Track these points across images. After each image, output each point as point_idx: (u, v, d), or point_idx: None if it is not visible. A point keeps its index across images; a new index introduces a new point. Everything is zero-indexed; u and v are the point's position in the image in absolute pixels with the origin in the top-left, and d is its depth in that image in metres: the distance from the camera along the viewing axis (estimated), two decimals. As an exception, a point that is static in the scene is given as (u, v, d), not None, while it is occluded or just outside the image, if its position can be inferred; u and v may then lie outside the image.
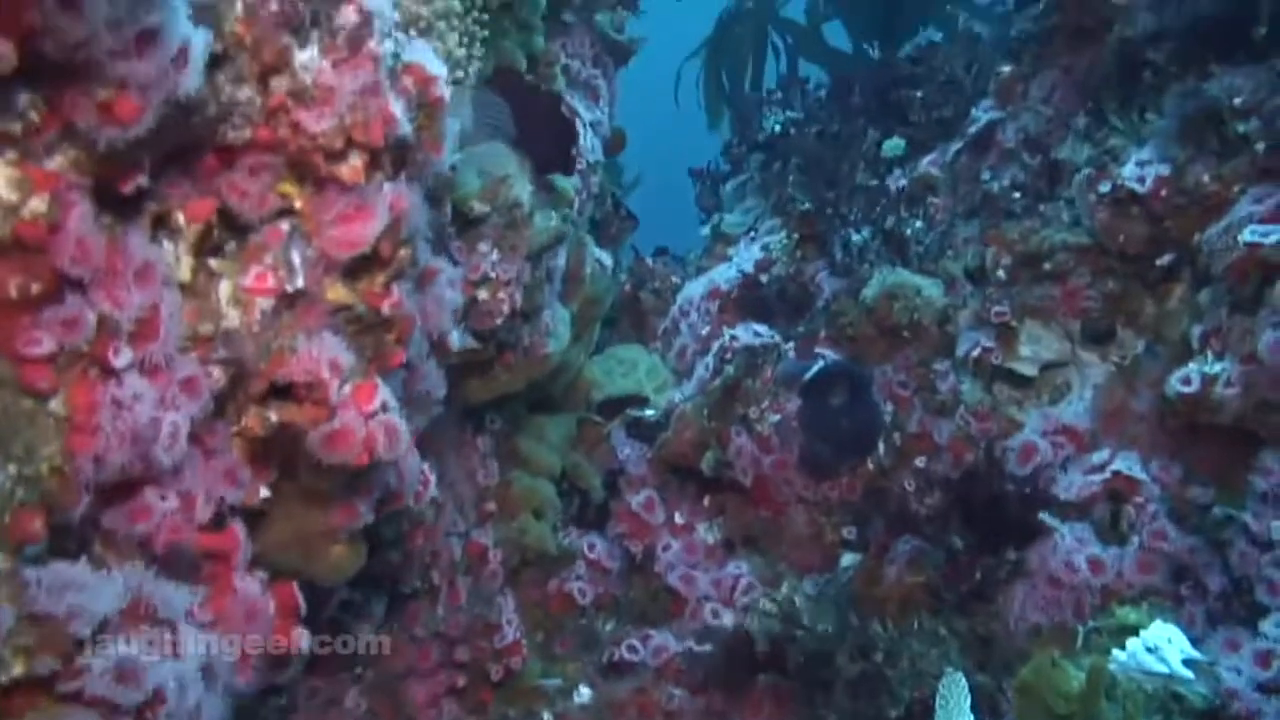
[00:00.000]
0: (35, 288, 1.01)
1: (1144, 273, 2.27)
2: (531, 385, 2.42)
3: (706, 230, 3.95)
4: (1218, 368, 2.00)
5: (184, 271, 1.23)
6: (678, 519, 2.74)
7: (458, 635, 2.26)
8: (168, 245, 1.22)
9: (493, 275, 1.96)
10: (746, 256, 3.21)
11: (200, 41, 1.05)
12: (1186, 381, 2.03)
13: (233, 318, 1.26)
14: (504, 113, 1.93)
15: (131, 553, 1.10)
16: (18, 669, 0.94)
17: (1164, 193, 2.13)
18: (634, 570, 2.70)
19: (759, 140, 3.81)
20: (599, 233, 3.32)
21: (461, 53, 1.74)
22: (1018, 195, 2.51)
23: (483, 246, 1.95)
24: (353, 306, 1.36)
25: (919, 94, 2.96)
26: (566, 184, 2.34)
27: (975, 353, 2.45)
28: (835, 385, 2.57)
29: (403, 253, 1.41)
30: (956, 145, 2.93)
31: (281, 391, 1.28)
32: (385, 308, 1.39)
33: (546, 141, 2.05)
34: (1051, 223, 2.41)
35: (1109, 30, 2.46)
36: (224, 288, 1.27)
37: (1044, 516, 2.12)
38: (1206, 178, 2.08)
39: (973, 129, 2.92)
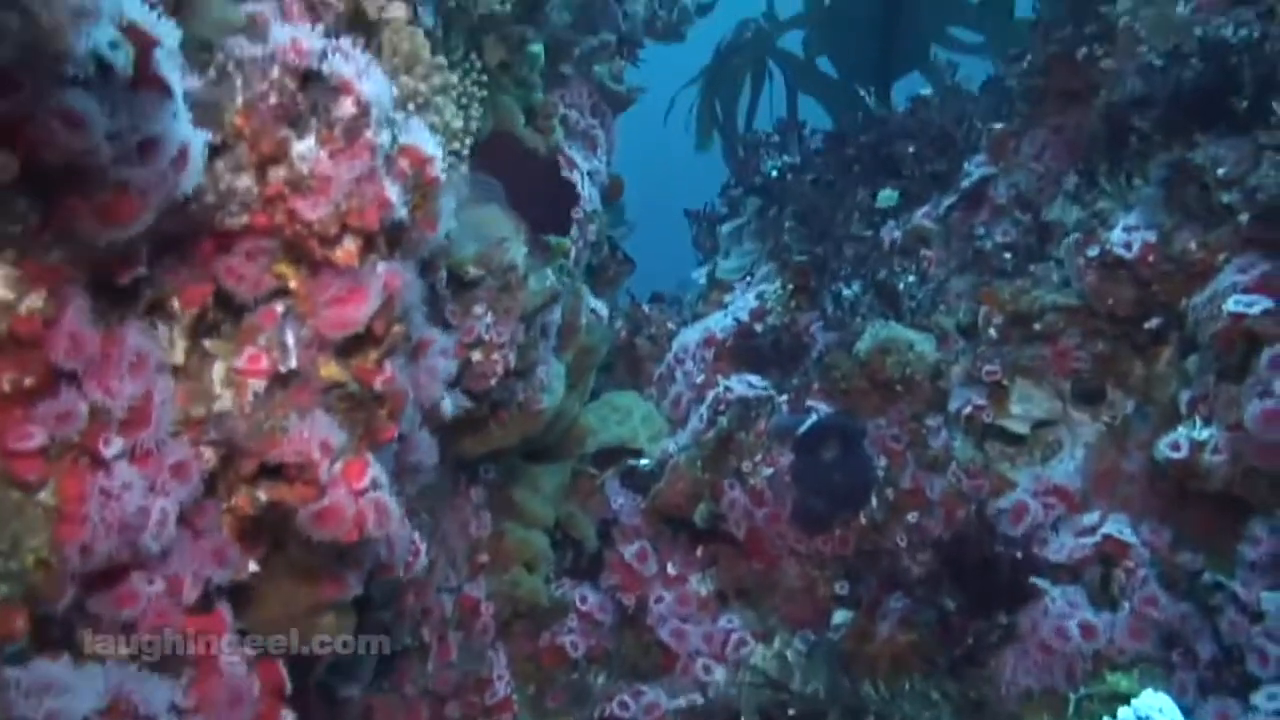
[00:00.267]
0: (29, 382, 1.03)
1: (1133, 335, 2.29)
2: (526, 438, 2.43)
3: (703, 274, 3.98)
4: (1205, 434, 2.01)
5: (177, 355, 1.25)
6: (670, 570, 2.75)
7: (448, 692, 2.26)
8: (162, 329, 1.24)
9: (487, 338, 1.98)
10: (742, 305, 3.24)
11: (199, 142, 1.08)
12: (1176, 447, 2.04)
13: (225, 399, 1.27)
14: (498, 191, 1.96)
15: (116, 638, 1.11)
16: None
17: (1151, 259, 2.16)
18: (626, 623, 2.69)
19: (756, 184, 3.85)
20: (596, 277, 3.35)
21: (459, 124, 1.77)
22: (1009, 255, 2.53)
23: (477, 309, 1.97)
24: (345, 384, 1.38)
25: (911, 149, 3.00)
26: (563, 239, 2.37)
27: (967, 410, 2.46)
28: (828, 440, 2.58)
29: (396, 329, 1.43)
30: (950, 199, 2.97)
31: (272, 471, 1.30)
32: (378, 384, 1.41)
33: (544, 205, 2.08)
34: (1042, 283, 2.43)
35: (1096, 94, 2.50)
36: (217, 369, 1.28)
37: (1035, 580, 2.13)
38: (1193, 245, 2.11)
39: (966, 183, 2.95)
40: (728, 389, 2.83)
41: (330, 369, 1.37)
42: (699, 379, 3.11)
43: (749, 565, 2.69)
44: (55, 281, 1.04)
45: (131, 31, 0.95)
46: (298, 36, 1.24)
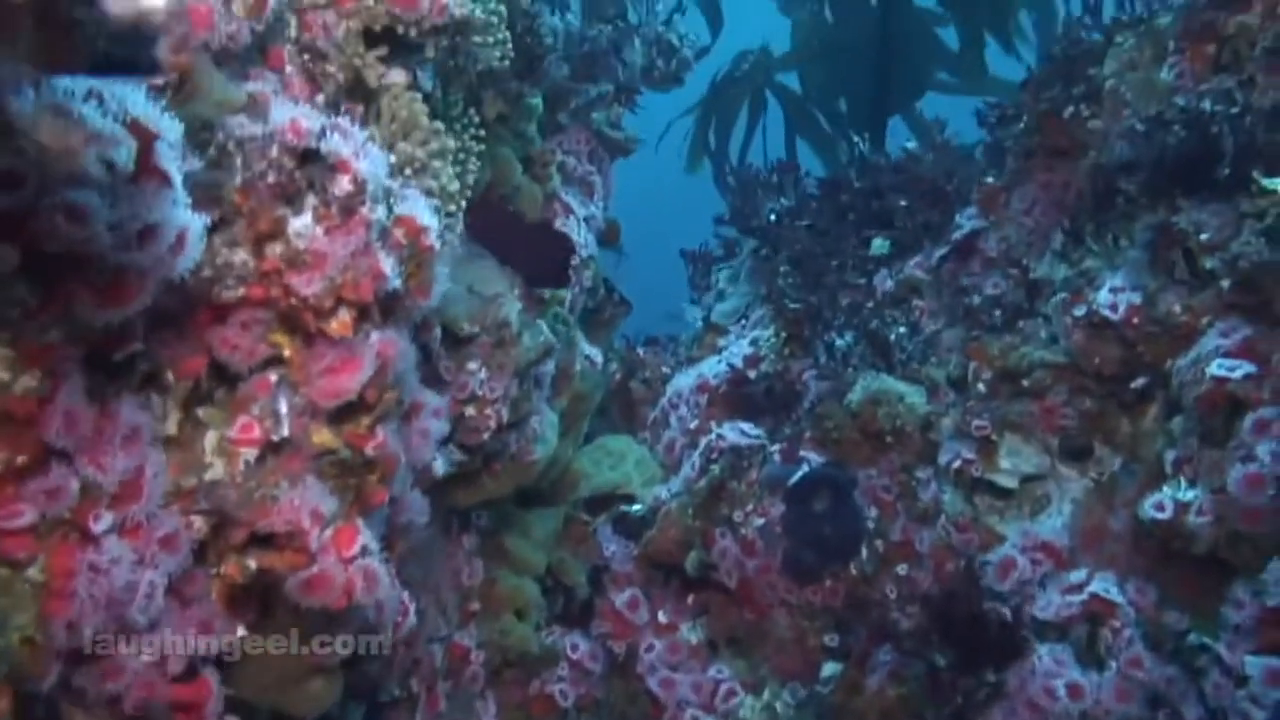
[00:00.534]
0: (21, 460, 1.05)
1: (1119, 394, 2.31)
2: (519, 488, 2.45)
3: (698, 315, 4.01)
4: (1190, 495, 2.03)
5: (171, 426, 1.27)
6: (661, 618, 2.75)
7: (436, 743, 2.26)
8: (156, 400, 1.27)
9: (480, 393, 2.00)
10: (736, 350, 3.26)
11: (198, 226, 1.10)
12: (1160, 508, 2.06)
13: (217, 468, 1.30)
14: (484, 273, 1.99)
15: (101, 712, 1.12)
16: None
17: (1136, 320, 2.19)
18: (615, 671, 2.69)
19: (752, 226, 3.89)
20: (592, 318, 3.38)
21: (455, 186, 1.80)
22: (998, 311, 2.56)
23: (471, 365, 2.00)
24: (337, 451, 1.40)
25: (904, 203, 3.04)
26: (559, 292, 2.41)
27: (956, 464, 2.48)
28: (819, 491, 2.59)
29: (389, 395, 1.46)
30: (942, 250, 3.00)
31: (262, 539, 1.32)
32: (369, 449, 1.43)
33: (539, 261, 2.11)
34: (1031, 339, 2.46)
35: (1084, 153, 2.55)
36: (210, 438, 1.31)
37: (1023, 637, 2.13)
38: (1177, 308, 2.14)
39: (957, 235, 2.99)
40: (720, 436, 2.85)
41: (322, 436, 1.39)
42: (692, 424, 3.13)
43: (740, 615, 2.69)
44: (51, 361, 1.07)
45: (134, 127, 0.98)
46: (297, 117, 1.28)
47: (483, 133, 2.21)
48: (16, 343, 1.04)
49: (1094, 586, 2.15)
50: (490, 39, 2.04)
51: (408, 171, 1.73)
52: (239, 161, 1.26)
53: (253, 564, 1.30)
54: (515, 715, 2.57)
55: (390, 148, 1.72)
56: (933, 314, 2.95)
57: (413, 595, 1.71)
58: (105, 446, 1.12)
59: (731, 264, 4.13)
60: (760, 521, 2.63)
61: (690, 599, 2.76)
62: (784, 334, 3.09)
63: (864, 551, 2.58)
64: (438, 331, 1.93)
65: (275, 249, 1.27)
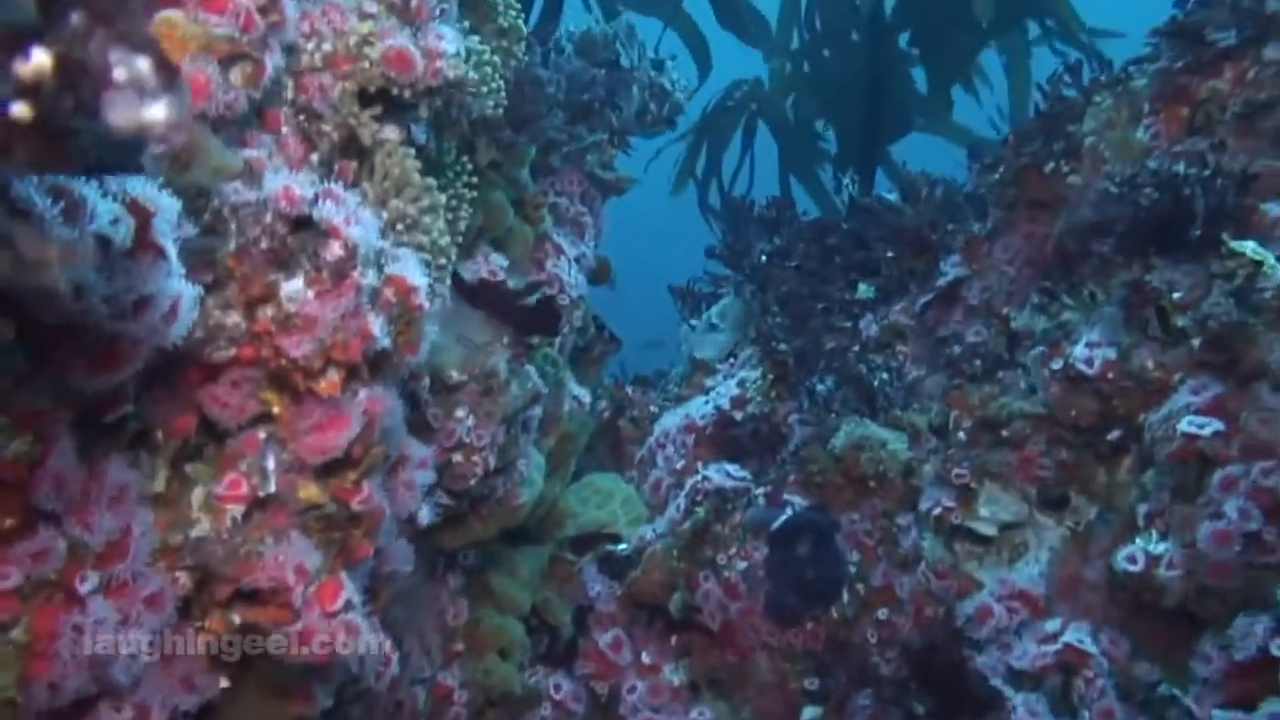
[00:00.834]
0: (9, 523, 1.08)
1: (1095, 445, 2.36)
2: (505, 530, 2.48)
3: (686, 351, 4.06)
4: (1161, 548, 2.07)
5: (159, 483, 1.30)
6: (645, 659, 2.77)
7: (416, 785, 2.26)
8: (145, 456, 1.30)
9: (468, 441, 2.04)
10: (723, 391, 3.30)
11: (191, 294, 1.14)
12: (1133, 560, 2.10)
13: (203, 524, 1.33)
14: (471, 330, 2.04)
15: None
16: None
17: (1111, 375, 2.24)
18: (598, 712, 2.71)
19: (743, 265, 3.94)
20: (582, 356, 3.42)
21: (445, 240, 1.85)
22: (979, 361, 2.61)
23: (459, 413, 2.04)
24: (323, 505, 1.43)
25: (890, 254, 3.10)
26: (548, 340, 2.45)
27: (937, 511, 2.52)
28: (802, 535, 2.63)
29: (375, 450, 1.49)
30: (926, 297, 3.06)
31: (247, 594, 1.34)
32: (355, 504, 1.46)
33: (529, 320, 2.16)
34: (1010, 389, 2.51)
35: (1063, 206, 2.61)
36: (197, 494, 1.34)
37: (999, 687, 2.16)
38: (1150, 363, 2.19)
39: (941, 281, 3.05)
40: (706, 478, 2.88)
41: (309, 490, 1.43)
42: (679, 464, 3.16)
43: (722, 657, 2.71)
44: (42, 424, 1.10)
45: (133, 206, 1.02)
46: (290, 184, 1.33)
47: (475, 180, 2.26)
48: (9, 408, 1.08)
49: (1068, 636, 2.18)
50: (484, 89, 2.09)
51: (399, 228, 1.78)
52: (234, 227, 1.30)
53: (237, 619, 1.33)
54: (497, 756, 2.58)
55: (383, 204, 1.77)
56: (916, 359, 3.00)
57: (397, 639, 1.73)
58: (93, 506, 1.15)
59: (722, 300, 4.18)
60: (744, 565, 2.66)
61: (673, 640, 2.78)
62: (770, 376, 3.13)
63: (845, 595, 2.61)
64: (426, 380, 1.96)
65: (267, 311, 1.31)
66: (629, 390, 3.67)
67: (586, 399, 3.02)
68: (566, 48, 3.18)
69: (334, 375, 1.38)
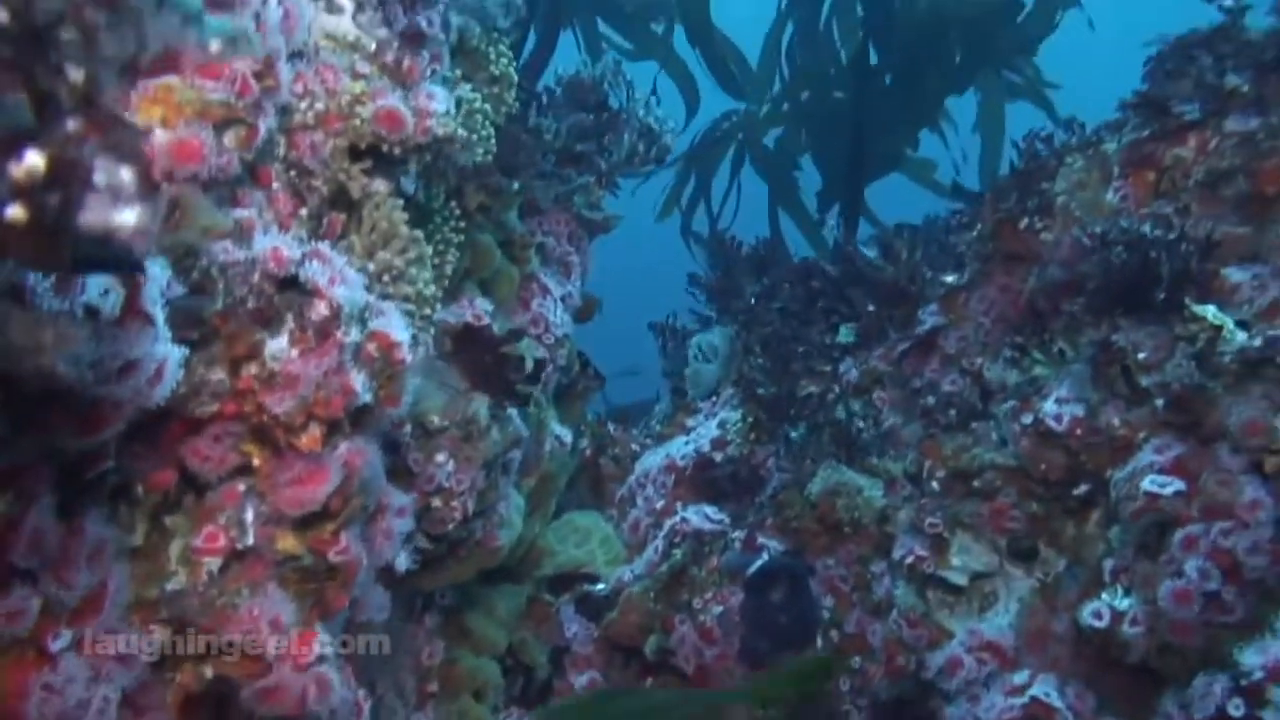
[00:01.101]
0: (-14, 582, 1.10)
1: (1064, 499, 2.41)
2: (483, 571, 2.50)
3: (668, 390, 4.10)
4: (1125, 604, 2.11)
5: (137, 536, 1.32)
6: (619, 700, 2.78)
7: (386, 828, 2.26)
8: (124, 510, 1.32)
9: (447, 485, 2.06)
10: (704, 433, 3.34)
11: (177, 356, 1.17)
12: (1098, 616, 2.14)
13: (180, 577, 1.35)
14: (453, 376, 2.07)
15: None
16: None
17: (1079, 431, 2.29)
18: (572, 754, 2.71)
19: (732, 304, 3.99)
20: (565, 393, 3.45)
21: (430, 291, 1.89)
22: (953, 412, 2.67)
23: (440, 458, 2.06)
24: (300, 557, 1.46)
25: (871, 307, 3.16)
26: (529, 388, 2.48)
27: (909, 559, 2.56)
28: (777, 581, 2.66)
29: (354, 502, 1.52)
30: (904, 344, 3.11)
31: (220, 647, 1.36)
32: (332, 555, 1.49)
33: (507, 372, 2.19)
34: (983, 440, 2.56)
35: (1037, 261, 2.68)
36: (175, 547, 1.36)
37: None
38: (1116, 421, 2.25)
39: (919, 330, 3.11)
40: (684, 520, 2.91)
41: (287, 542, 1.45)
42: (659, 504, 3.19)
43: (696, 700, 2.73)
44: (23, 483, 1.12)
45: (124, 275, 1.06)
46: (279, 245, 1.37)
47: (462, 224, 2.31)
48: (-7, 467, 1.10)
49: (1035, 690, 2.21)
50: (473, 138, 2.14)
51: (385, 279, 1.82)
52: (221, 286, 1.34)
53: (209, 672, 1.35)
54: (469, 798, 2.57)
55: (370, 255, 1.81)
56: (893, 406, 3.05)
57: (370, 682, 1.75)
58: (70, 563, 1.17)
59: (705, 337, 4.22)
60: (719, 609, 2.68)
61: (648, 683, 2.79)
62: (750, 419, 3.18)
63: (819, 641, 2.64)
64: (408, 426, 1.99)
65: (251, 369, 1.35)
66: (611, 428, 3.70)
67: (568, 439, 3.05)
68: (556, 91, 3.25)
69: (315, 430, 1.41)
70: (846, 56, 4.70)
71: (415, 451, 2.05)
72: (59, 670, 1.12)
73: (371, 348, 1.52)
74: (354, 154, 1.76)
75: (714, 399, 3.77)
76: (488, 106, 2.26)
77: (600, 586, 2.97)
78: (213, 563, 1.35)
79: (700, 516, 2.93)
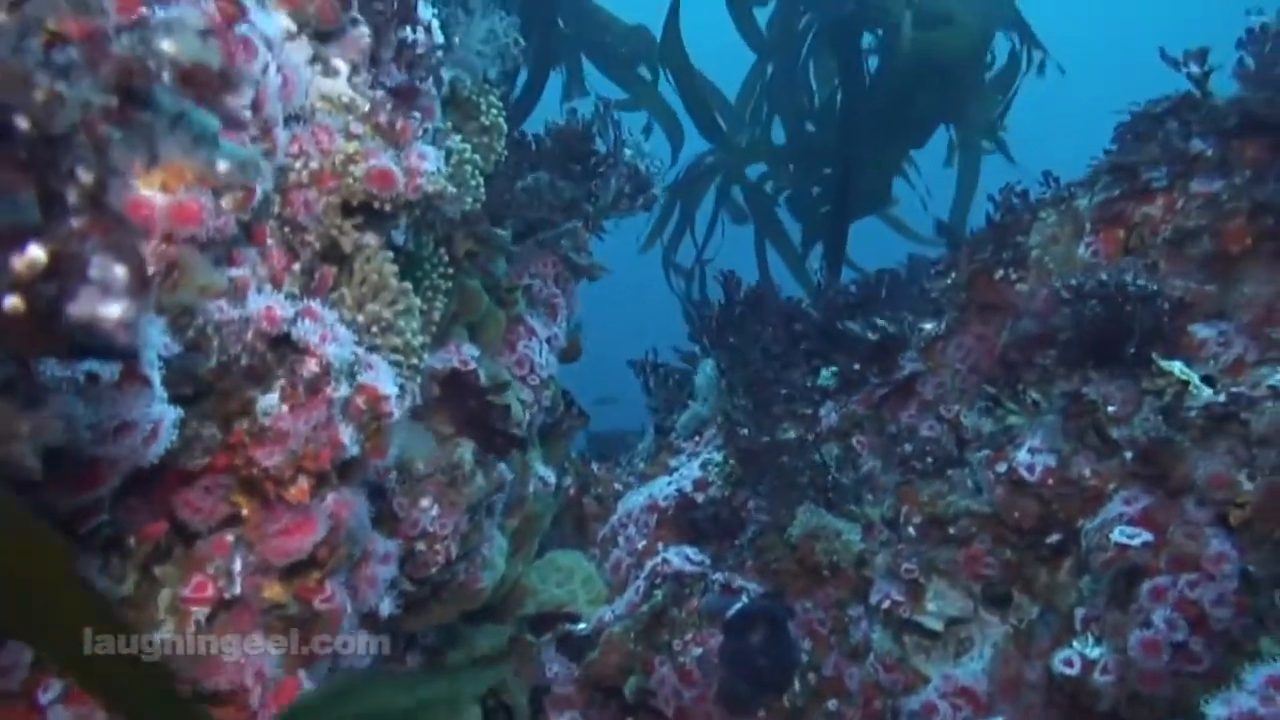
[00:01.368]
0: (-17, 635, 1.13)
1: (1037, 546, 2.46)
2: (466, 612, 2.52)
3: (650, 428, 4.14)
4: (1096, 653, 2.16)
5: (128, 586, 1.36)
6: (600, 742, 2.79)
7: None
8: (116, 560, 1.36)
9: (431, 530, 2.10)
10: (686, 474, 3.38)
11: (172, 416, 1.22)
12: (1069, 664, 2.18)
13: (168, 626, 1.38)
14: (443, 414, 2.12)
15: None
16: None
17: (1051, 481, 2.35)
18: (551, 796, 2.72)
19: (719, 343, 4.04)
20: (550, 431, 3.49)
21: (419, 342, 1.93)
22: (930, 459, 2.72)
23: (424, 502, 2.10)
24: (286, 605, 1.49)
25: (856, 365, 3.22)
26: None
27: (886, 604, 2.60)
28: (756, 623, 2.69)
29: (340, 551, 1.56)
30: (883, 390, 3.17)
31: (206, 695, 1.39)
32: (317, 603, 1.52)
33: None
34: (958, 487, 2.61)
35: (1011, 313, 2.75)
36: (164, 596, 1.39)
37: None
38: (1087, 471, 2.30)
39: (898, 375, 3.17)
40: (665, 561, 2.94)
41: (273, 590, 1.49)
42: (640, 544, 3.22)
43: (676, 742, 2.74)
44: (22, 538, 1.16)
45: (123, 341, 1.10)
46: (272, 305, 1.42)
47: (451, 270, 2.36)
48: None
49: (1009, 737, 2.25)
50: (463, 190, 2.20)
51: (374, 330, 1.87)
52: (216, 344, 1.38)
53: (194, 720, 1.37)
54: (447, 841, 2.57)
55: (360, 307, 1.86)
56: (872, 450, 3.10)
57: (349, 737, 1.77)
58: (64, 616, 1.20)
59: (692, 376, 4.27)
60: (698, 651, 2.71)
61: (629, 722, 2.81)
62: (732, 461, 3.22)
63: (796, 684, 2.66)
64: (394, 473, 2.03)
65: (243, 424, 1.39)
66: (595, 467, 3.73)
67: (552, 479, 3.08)
68: (546, 141, 3.32)
69: (304, 483, 1.45)
70: (821, 100, 4.84)
71: (400, 496, 2.08)
72: (47, 722, 1.15)
73: (360, 401, 1.56)
74: (346, 210, 1.81)
75: (697, 438, 3.81)
76: (477, 157, 2.32)
77: (582, 626, 2.99)
78: (200, 612, 1.38)
79: (681, 558, 2.96)
